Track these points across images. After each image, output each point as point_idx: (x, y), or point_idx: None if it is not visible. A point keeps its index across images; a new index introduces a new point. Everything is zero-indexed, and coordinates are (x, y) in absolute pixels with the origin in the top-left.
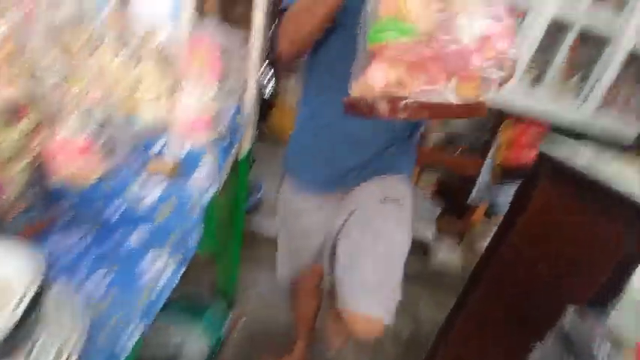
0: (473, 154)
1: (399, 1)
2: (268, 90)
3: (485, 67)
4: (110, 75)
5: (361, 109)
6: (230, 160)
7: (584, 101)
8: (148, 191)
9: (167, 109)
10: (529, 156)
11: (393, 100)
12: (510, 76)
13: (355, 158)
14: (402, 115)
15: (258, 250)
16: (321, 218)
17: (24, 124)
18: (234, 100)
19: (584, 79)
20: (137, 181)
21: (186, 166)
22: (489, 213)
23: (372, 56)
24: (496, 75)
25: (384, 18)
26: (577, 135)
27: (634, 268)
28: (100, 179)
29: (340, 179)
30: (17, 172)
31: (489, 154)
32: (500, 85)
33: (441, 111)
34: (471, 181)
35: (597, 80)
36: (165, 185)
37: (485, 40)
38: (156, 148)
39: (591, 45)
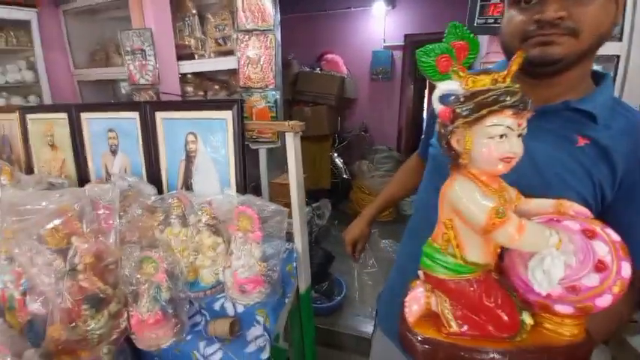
0: None
1: (449, 233)
2: (344, 172)
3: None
4: (177, 246)
5: (403, 343)
6: (286, 308)
7: None
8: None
9: (222, 273)
10: None
11: (425, 342)
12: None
13: None
14: None
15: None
16: None
17: (111, 307)
18: (278, 258)
19: None
20: (200, 345)
21: (243, 322)
22: None
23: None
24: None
25: (432, 242)
26: None
27: None
28: (171, 344)
29: None
30: (104, 354)
31: None
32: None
33: None
34: None
35: None
36: (224, 349)
37: (569, 288)
38: (216, 306)
39: None
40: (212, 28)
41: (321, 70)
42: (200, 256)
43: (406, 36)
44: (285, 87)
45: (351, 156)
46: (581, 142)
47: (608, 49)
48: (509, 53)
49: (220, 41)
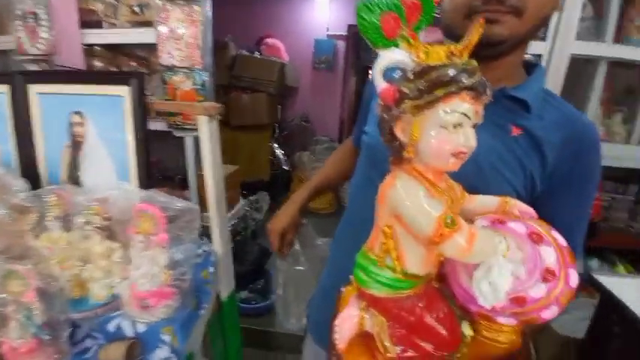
0: None
1: (388, 243)
2: (284, 164)
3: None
4: (57, 255)
5: None
6: (202, 321)
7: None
8: None
9: (117, 285)
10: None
11: None
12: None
13: None
14: None
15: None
16: None
17: None
18: (189, 263)
19: (631, 113)
20: None
21: (146, 344)
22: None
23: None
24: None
25: (367, 252)
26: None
27: None
28: None
29: None
30: None
31: None
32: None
33: None
34: None
35: None
36: None
37: (514, 300)
38: (111, 327)
39: (629, 73)
40: None
41: (260, 54)
42: (89, 266)
43: (349, 26)
44: (221, 71)
45: (291, 147)
46: (515, 131)
47: (531, 48)
48: (450, 32)
49: (136, 9)
